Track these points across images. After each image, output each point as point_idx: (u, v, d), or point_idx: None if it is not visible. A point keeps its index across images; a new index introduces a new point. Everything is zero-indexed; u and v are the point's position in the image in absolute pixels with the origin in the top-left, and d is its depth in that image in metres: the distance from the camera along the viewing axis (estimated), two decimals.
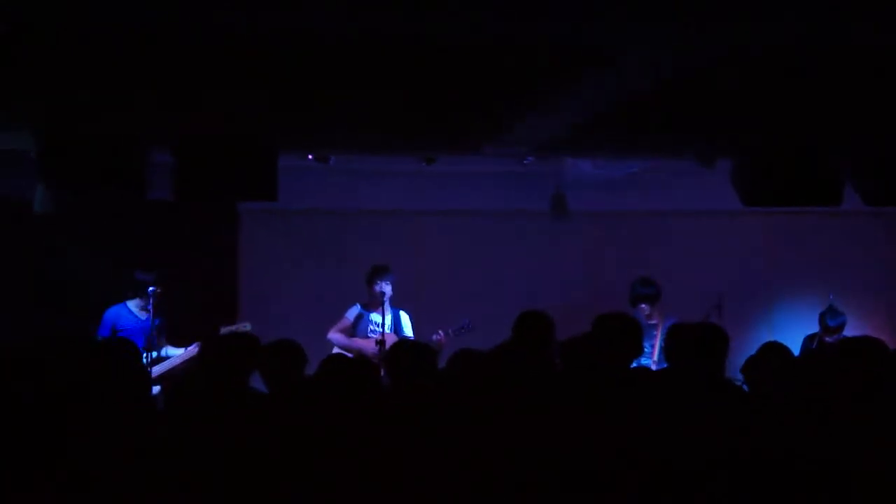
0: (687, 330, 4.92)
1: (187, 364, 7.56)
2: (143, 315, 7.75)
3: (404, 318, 8.38)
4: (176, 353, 7.80)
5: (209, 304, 8.73)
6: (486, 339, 5.57)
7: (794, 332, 8.59)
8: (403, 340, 7.30)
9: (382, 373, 5.65)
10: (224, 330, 7.33)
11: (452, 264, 9.66)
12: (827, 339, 8.13)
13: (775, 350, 4.71)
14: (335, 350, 8.01)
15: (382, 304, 8.21)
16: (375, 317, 8.33)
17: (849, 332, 8.12)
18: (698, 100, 5.71)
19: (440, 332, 8.12)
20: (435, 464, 4.04)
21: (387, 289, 8.20)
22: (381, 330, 8.21)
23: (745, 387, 4.73)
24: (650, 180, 9.30)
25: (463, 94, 5.54)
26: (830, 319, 8.20)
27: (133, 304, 7.83)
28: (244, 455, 4.07)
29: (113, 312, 7.81)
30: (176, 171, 6.67)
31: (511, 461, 4.07)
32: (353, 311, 8.42)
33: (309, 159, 7.78)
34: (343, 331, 8.36)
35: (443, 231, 9.79)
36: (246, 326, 7.56)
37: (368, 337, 8.28)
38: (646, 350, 7.63)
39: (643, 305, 8.12)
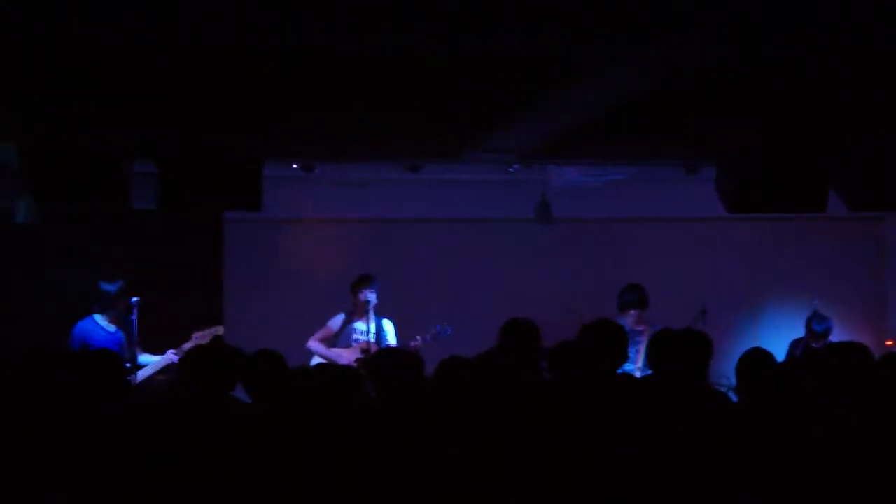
0: (671, 336, 4.92)
1: (164, 372, 7.50)
2: (111, 327, 7.53)
3: (388, 326, 8.36)
4: (151, 361, 7.57)
5: (194, 313, 8.67)
6: (472, 347, 5.56)
7: (780, 337, 8.60)
8: (387, 349, 7.29)
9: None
10: (196, 336, 7.28)
11: (437, 273, 9.63)
12: (813, 344, 8.14)
13: (757, 356, 4.71)
14: (315, 359, 7.99)
15: (367, 312, 8.20)
16: (360, 325, 8.32)
17: (832, 337, 8.15)
18: (683, 107, 5.72)
19: (417, 337, 8.13)
20: (424, 471, 4.03)
21: (371, 297, 8.19)
22: (365, 338, 8.20)
23: (730, 393, 4.73)
24: (635, 187, 9.29)
25: (447, 103, 5.54)
26: (817, 325, 8.22)
27: (100, 318, 7.54)
28: (227, 465, 4.06)
29: (81, 327, 7.48)
30: (160, 181, 6.66)
31: (500, 467, 4.06)
32: (338, 320, 8.40)
33: (293, 168, 7.77)
34: (325, 339, 8.33)
35: (428, 239, 9.77)
36: (219, 330, 7.52)
37: (352, 346, 8.27)
38: (630, 356, 7.63)
39: (632, 312, 8.17)
